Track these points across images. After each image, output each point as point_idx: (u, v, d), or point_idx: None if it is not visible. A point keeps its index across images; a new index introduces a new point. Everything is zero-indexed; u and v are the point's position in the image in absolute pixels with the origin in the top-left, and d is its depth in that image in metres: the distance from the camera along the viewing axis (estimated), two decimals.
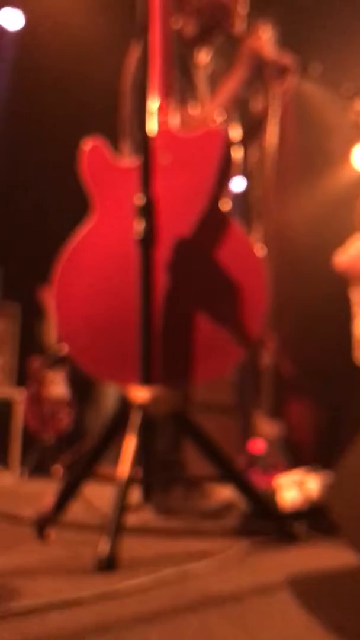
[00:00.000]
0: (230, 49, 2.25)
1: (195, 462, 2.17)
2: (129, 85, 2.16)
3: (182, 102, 2.10)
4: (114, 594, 1.07)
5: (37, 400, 5.37)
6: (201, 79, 2.26)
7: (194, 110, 2.14)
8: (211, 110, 2.12)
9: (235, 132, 2.14)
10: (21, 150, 5.71)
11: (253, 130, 2.31)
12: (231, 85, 2.14)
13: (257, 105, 2.29)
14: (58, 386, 5.50)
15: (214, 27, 2.23)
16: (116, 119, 2.30)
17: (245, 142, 2.25)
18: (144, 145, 1.60)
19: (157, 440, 1.80)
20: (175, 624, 0.93)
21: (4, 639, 0.82)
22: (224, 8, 2.20)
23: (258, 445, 5.30)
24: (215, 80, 2.25)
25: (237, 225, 1.79)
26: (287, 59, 2.17)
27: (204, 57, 2.29)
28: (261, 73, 2.18)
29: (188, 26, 2.22)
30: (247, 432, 5.52)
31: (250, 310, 1.74)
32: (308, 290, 5.22)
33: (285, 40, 2.45)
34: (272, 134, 2.33)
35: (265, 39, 2.15)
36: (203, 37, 2.26)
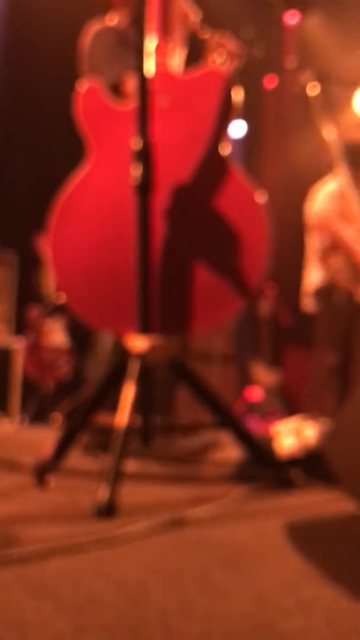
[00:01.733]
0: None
1: (188, 410, 2.19)
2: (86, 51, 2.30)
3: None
4: (112, 540, 1.08)
5: (36, 349, 5.39)
6: None
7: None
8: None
9: None
10: (16, 93, 5.57)
11: None
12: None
13: None
14: (57, 334, 5.51)
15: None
16: None
17: None
18: (142, 86, 1.55)
19: (154, 388, 1.80)
20: (174, 569, 0.94)
21: (4, 585, 0.83)
22: None
23: (256, 393, 5.36)
24: None
25: (237, 171, 1.75)
26: (231, 43, 2.18)
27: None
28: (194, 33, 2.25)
29: (121, 19, 2.41)
30: (245, 380, 5.57)
31: (250, 258, 1.72)
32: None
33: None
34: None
35: (189, 6, 2.23)
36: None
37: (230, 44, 2.19)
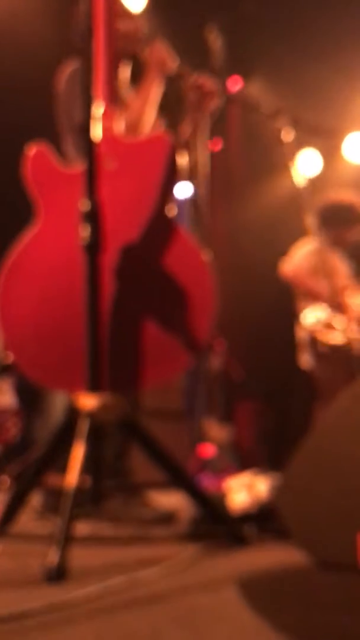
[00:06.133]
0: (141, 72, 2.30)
1: (142, 469, 2.16)
2: (62, 92, 2.21)
3: None
4: (62, 605, 1.06)
5: None
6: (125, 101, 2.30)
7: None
8: (129, 116, 2.15)
9: None
10: None
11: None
12: (141, 91, 2.18)
13: (183, 130, 2.33)
14: (4, 395, 5.40)
15: (120, 55, 2.29)
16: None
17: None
18: (89, 150, 1.59)
19: (104, 448, 1.78)
20: (126, 632, 0.92)
21: None
22: (123, 37, 2.25)
23: (208, 450, 5.33)
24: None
25: (183, 231, 1.80)
26: (210, 83, 2.22)
27: (121, 82, 2.33)
28: (176, 89, 2.25)
29: None
30: (197, 436, 5.55)
31: (197, 315, 1.75)
32: (256, 296, 5.28)
33: (231, 49, 2.48)
34: (202, 154, 2.36)
35: (164, 49, 2.21)
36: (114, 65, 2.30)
37: (208, 83, 2.20)
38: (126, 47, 2.29)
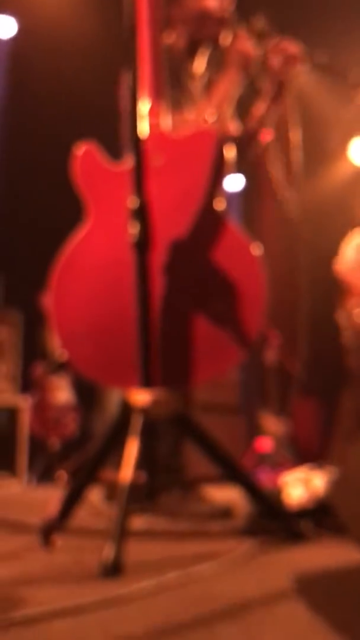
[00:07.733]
0: (222, 57, 2.19)
1: (196, 465, 2.16)
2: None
3: (179, 110, 2.08)
4: (118, 600, 1.07)
5: (42, 407, 5.37)
6: (197, 89, 2.24)
7: (189, 114, 2.12)
8: (204, 112, 2.10)
9: (234, 129, 2.12)
10: (18, 156, 5.71)
11: (252, 131, 2.28)
12: (221, 86, 2.11)
13: (258, 107, 2.26)
14: (63, 392, 5.50)
15: (201, 36, 2.21)
16: (110, 124, 2.27)
17: (245, 141, 2.24)
18: (136, 147, 1.59)
19: (158, 443, 1.79)
20: (181, 628, 0.92)
21: None
22: (208, 17, 2.17)
23: (265, 444, 5.30)
24: (210, 88, 2.23)
25: (232, 225, 1.79)
26: (294, 47, 2.09)
27: (198, 67, 2.27)
28: (252, 72, 2.15)
29: (178, 38, 2.21)
30: (254, 430, 5.52)
31: (248, 309, 1.74)
32: (313, 287, 5.21)
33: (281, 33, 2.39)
34: (294, 129, 2.26)
35: (249, 41, 2.10)
36: (193, 47, 2.24)
37: (292, 47, 2.09)
38: (207, 29, 2.18)
